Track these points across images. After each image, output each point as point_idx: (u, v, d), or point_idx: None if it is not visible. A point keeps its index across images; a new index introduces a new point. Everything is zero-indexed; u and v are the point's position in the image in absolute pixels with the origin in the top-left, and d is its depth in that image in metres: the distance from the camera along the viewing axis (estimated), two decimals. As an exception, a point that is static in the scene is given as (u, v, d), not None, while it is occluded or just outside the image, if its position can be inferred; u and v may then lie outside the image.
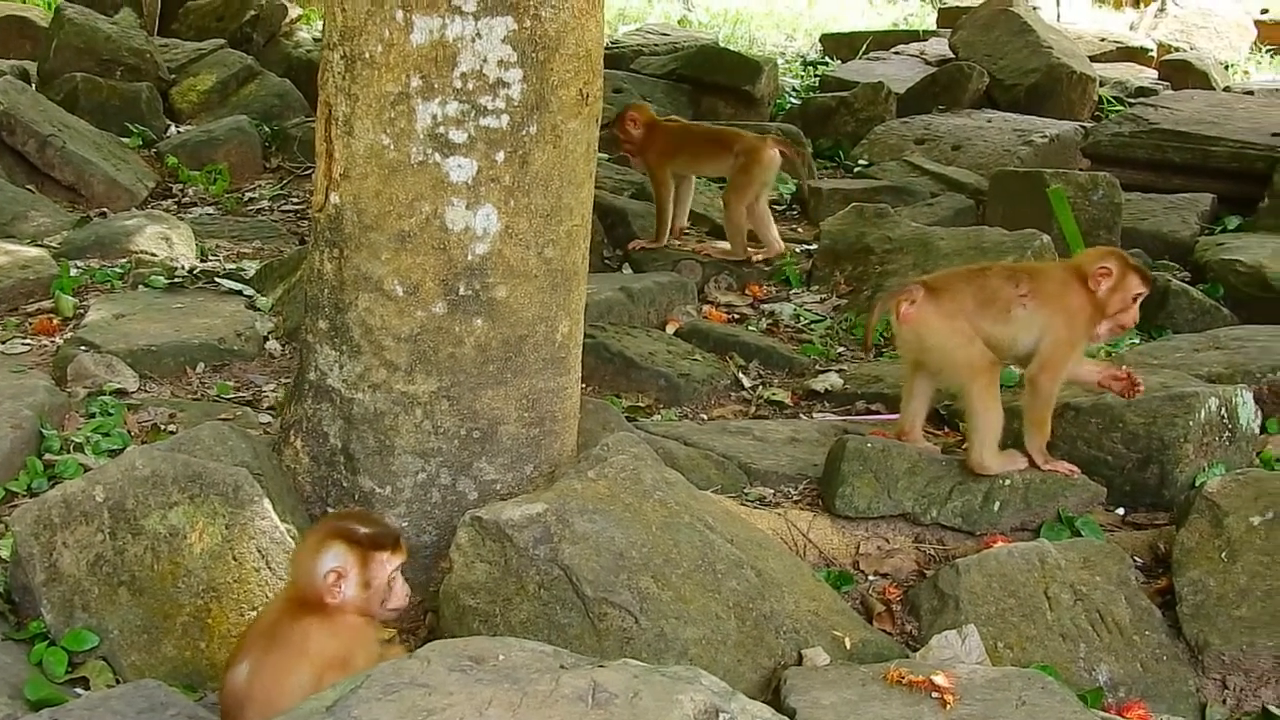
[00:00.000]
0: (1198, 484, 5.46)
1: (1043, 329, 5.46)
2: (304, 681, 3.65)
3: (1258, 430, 6.15)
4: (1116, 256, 5.60)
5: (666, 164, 8.73)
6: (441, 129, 4.56)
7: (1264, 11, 19.34)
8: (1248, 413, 6.04)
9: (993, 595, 4.83)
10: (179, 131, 10.98)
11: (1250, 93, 14.34)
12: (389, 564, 3.89)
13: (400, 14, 4.50)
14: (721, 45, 15.63)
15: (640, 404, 6.76)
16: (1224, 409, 5.93)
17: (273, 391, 6.40)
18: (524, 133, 4.62)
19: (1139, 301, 5.58)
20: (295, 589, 3.85)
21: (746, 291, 8.45)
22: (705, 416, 6.73)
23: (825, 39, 17.69)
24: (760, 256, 8.77)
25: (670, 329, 7.63)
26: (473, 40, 4.51)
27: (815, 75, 15.77)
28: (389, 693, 3.07)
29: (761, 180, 8.72)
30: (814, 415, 6.74)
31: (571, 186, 4.78)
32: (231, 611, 4.39)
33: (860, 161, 11.87)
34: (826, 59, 16.87)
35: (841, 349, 7.68)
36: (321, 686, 3.47)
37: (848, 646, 4.58)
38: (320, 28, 9.94)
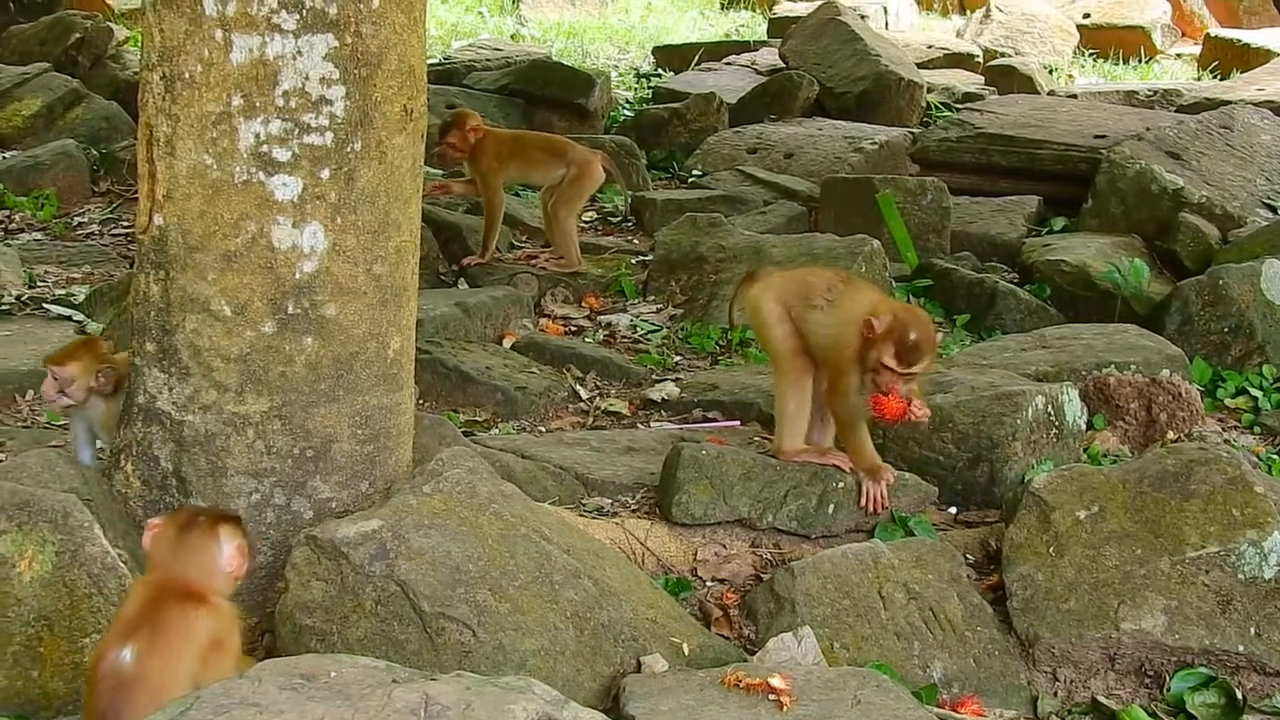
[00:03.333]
0: (1026, 481, 5.57)
1: (829, 339, 5.53)
2: (191, 666, 3.72)
3: (1084, 426, 6.30)
4: (896, 318, 5.28)
5: (500, 172, 8.70)
6: (265, 147, 4.53)
7: (1086, 16, 19.77)
8: (1074, 410, 6.19)
9: (828, 597, 4.90)
10: (4, 157, 10.74)
11: (1074, 96, 14.66)
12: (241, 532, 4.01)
13: (219, 33, 4.46)
14: (554, 59, 15.66)
15: (478, 418, 6.76)
16: (1051, 407, 6.06)
17: (105, 416, 6.30)
18: (349, 150, 4.60)
19: (890, 376, 5.27)
20: (169, 577, 3.85)
21: (583, 304, 8.48)
22: (543, 429, 6.74)
23: (658, 51, 17.79)
24: (562, 269, 8.84)
25: (507, 343, 7.64)
26: (294, 58, 4.48)
27: (648, 87, 15.84)
28: (219, 713, 3.05)
29: (590, 192, 8.78)
30: (651, 425, 6.79)
31: (399, 202, 4.77)
32: (63, 639, 4.31)
33: (694, 172, 11.96)
34: (659, 71, 16.97)
35: (678, 358, 7.74)
36: (204, 668, 3.68)
37: (686, 652, 4.62)
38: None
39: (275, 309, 4.64)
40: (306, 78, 4.51)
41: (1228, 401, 7.16)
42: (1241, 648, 4.77)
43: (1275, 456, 6.51)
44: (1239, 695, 4.70)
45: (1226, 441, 6.44)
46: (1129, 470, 5.21)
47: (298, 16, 4.47)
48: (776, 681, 4.17)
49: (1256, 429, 6.92)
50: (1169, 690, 4.76)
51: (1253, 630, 4.79)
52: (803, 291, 5.62)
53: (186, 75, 4.51)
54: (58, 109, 11.58)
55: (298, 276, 4.63)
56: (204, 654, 3.76)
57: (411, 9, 4.69)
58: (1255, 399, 7.17)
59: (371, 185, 4.67)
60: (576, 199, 8.76)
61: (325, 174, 4.59)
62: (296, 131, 4.54)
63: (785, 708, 4.13)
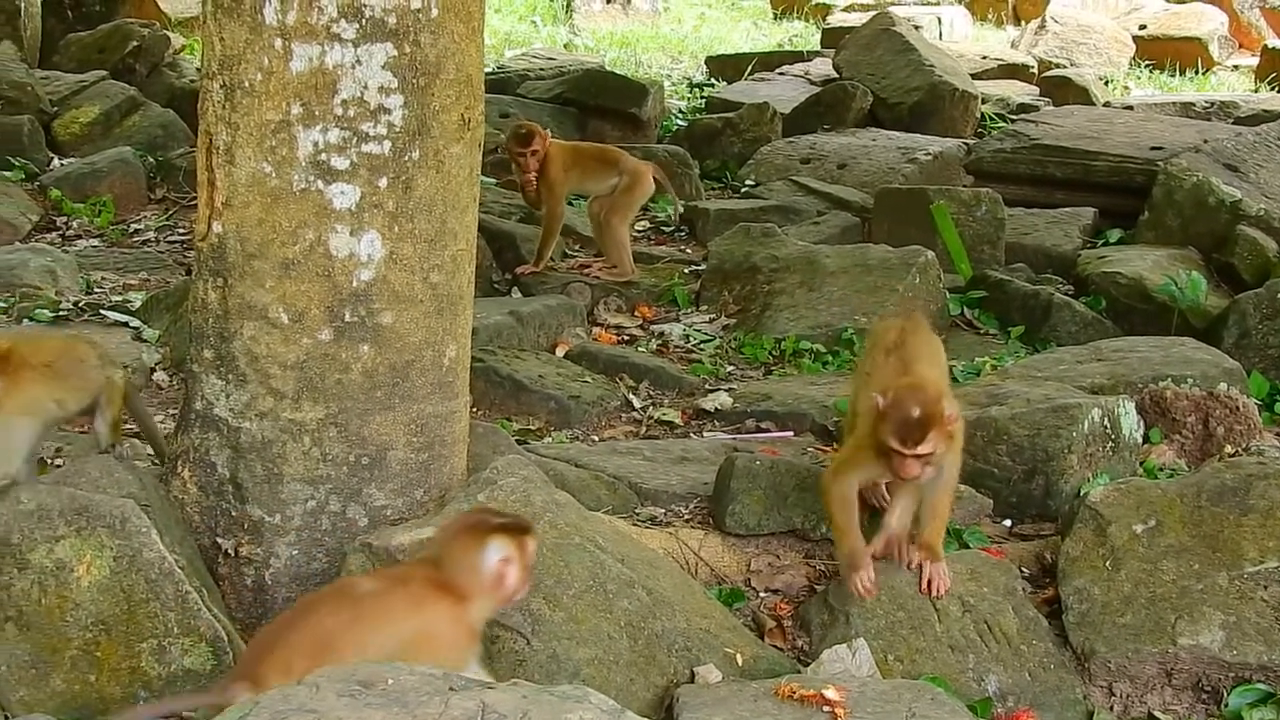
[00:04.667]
0: (1081, 494, 5.54)
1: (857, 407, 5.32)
2: (388, 646, 3.83)
3: (1140, 440, 6.26)
4: (896, 393, 4.83)
5: (565, 183, 8.74)
6: (323, 156, 4.56)
7: (1142, 27, 19.67)
8: (1130, 423, 6.15)
9: (882, 609, 4.89)
10: (62, 164, 10.84)
11: (1130, 108, 14.57)
12: (532, 549, 4.10)
13: (279, 42, 4.49)
14: (607, 69, 15.68)
15: (531, 427, 6.77)
16: (1107, 419, 6.03)
17: (161, 423, 6.33)
18: (406, 158, 4.62)
19: (898, 460, 4.81)
20: (431, 561, 4.03)
21: (636, 313, 8.49)
22: (596, 438, 6.74)
23: (711, 61, 17.79)
24: (615, 278, 8.84)
25: (560, 352, 7.64)
26: (353, 67, 4.51)
27: (701, 97, 15.84)
28: (278, 719, 3.06)
29: (641, 202, 8.80)
30: (704, 434, 6.78)
31: (455, 211, 4.79)
32: (120, 644, 4.35)
33: (747, 182, 11.94)
34: (712, 80, 16.96)
35: (731, 368, 7.74)
36: (407, 654, 3.72)
37: (740, 663, 4.62)
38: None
39: (332, 317, 4.66)
40: (365, 86, 4.53)
41: (1286, 415, 7.11)
42: (1300, 664, 4.74)
43: (1333, 471, 6.44)
44: (1297, 711, 4.67)
45: (1284, 456, 6.38)
46: (1186, 484, 5.17)
47: (357, 25, 4.50)
48: (831, 693, 4.16)
49: (1315, 443, 6.85)
50: (1226, 706, 4.73)
51: (1312, 646, 4.76)
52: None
53: (246, 84, 4.54)
54: (115, 116, 11.67)
55: (355, 284, 4.65)
56: (414, 641, 3.88)
57: (470, 18, 4.72)
58: (1313, 413, 7.10)
59: (429, 194, 4.69)
60: (629, 208, 8.79)
61: (383, 182, 4.61)
62: (355, 140, 4.56)
63: (839, 718, 4.13)
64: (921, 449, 4.71)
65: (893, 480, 4.99)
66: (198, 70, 13.31)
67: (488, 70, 14.85)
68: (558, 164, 8.66)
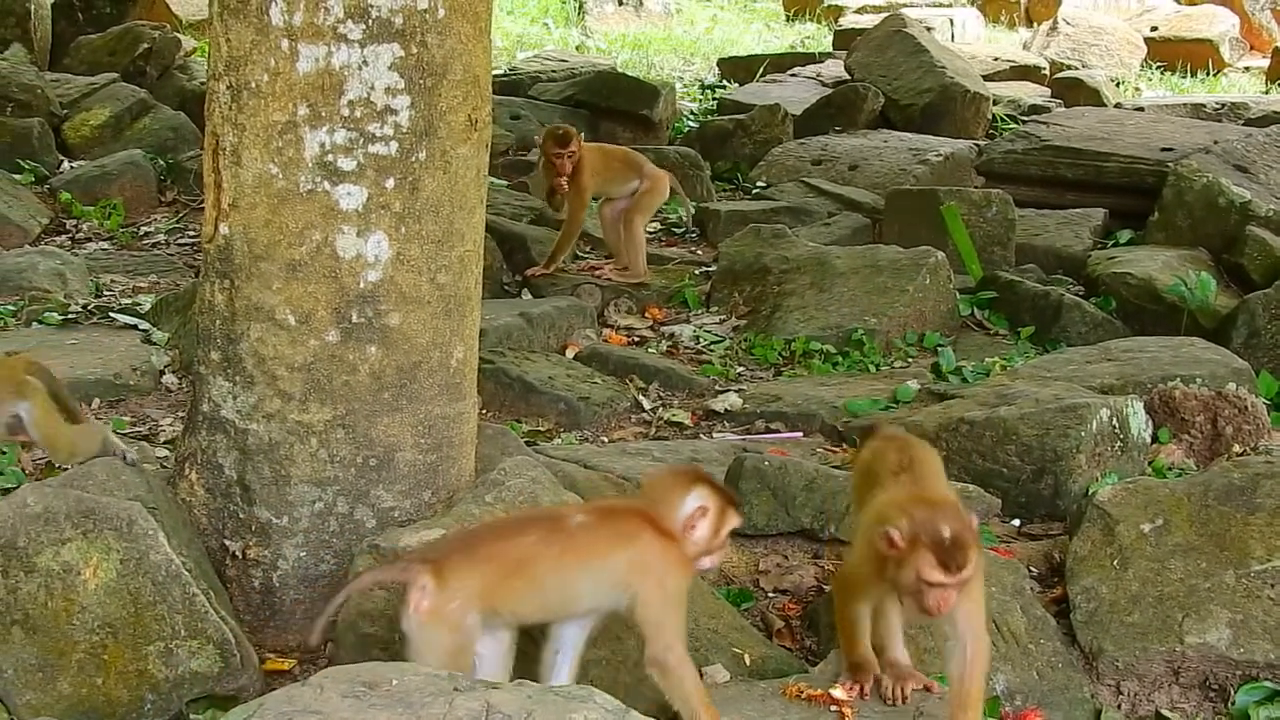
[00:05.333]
0: (1090, 493, 5.54)
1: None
2: (602, 574, 4.01)
3: (1149, 440, 6.26)
4: (917, 519, 4.01)
5: (592, 187, 8.75)
6: (330, 157, 4.56)
7: (1154, 29, 19.64)
8: (1139, 422, 6.15)
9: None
10: (72, 167, 10.86)
11: (1141, 109, 14.55)
12: (734, 521, 4.14)
13: (285, 43, 4.50)
14: (619, 71, 15.69)
15: (540, 428, 6.77)
16: (1115, 419, 6.03)
17: (170, 425, 6.36)
18: (413, 159, 4.63)
19: (941, 592, 3.98)
20: (641, 507, 4.13)
21: (646, 314, 8.49)
22: (606, 439, 6.75)
23: (722, 63, 17.79)
24: (626, 279, 8.84)
25: (570, 353, 7.65)
26: (359, 68, 4.52)
27: (713, 99, 15.85)
28: (282, 720, 3.07)
29: (658, 206, 8.84)
30: (714, 435, 6.78)
31: (463, 212, 4.79)
32: (127, 647, 4.34)
33: (758, 183, 11.94)
34: (724, 82, 16.96)
35: (741, 369, 7.73)
36: (624, 584, 3.96)
37: (748, 663, 4.62)
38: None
39: (339, 318, 4.66)
40: (372, 87, 4.54)
41: (1294, 416, 7.08)
42: (1307, 662, 4.73)
43: (1344, 472, 6.42)
44: (1305, 710, 4.66)
45: (1294, 456, 6.37)
46: (1194, 483, 5.16)
47: (363, 26, 4.50)
48: (839, 693, 4.17)
49: (1324, 444, 6.83)
50: (1234, 704, 4.72)
51: (1319, 644, 4.75)
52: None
53: (253, 85, 4.55)
54: (125, 119, 11.69)
55: (362, 285, 4.65)
56: (629, 573, 3.99)
57: (477, 19, 4.72)
58: (1323, 413, 7.08)
59: (436, 195, 4.69)
60: (648, 211, 8.85)
61: (390, 183, 4.61)
62: (361, 141, 4.57)
63: (846, 717, 4.13)
64: (967, 571, 3.95)
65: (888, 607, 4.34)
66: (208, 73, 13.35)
67: (499, 72, 14.97)
68: (588, 167, 8.68)
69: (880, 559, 4.01)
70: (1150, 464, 6.20)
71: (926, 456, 4.49)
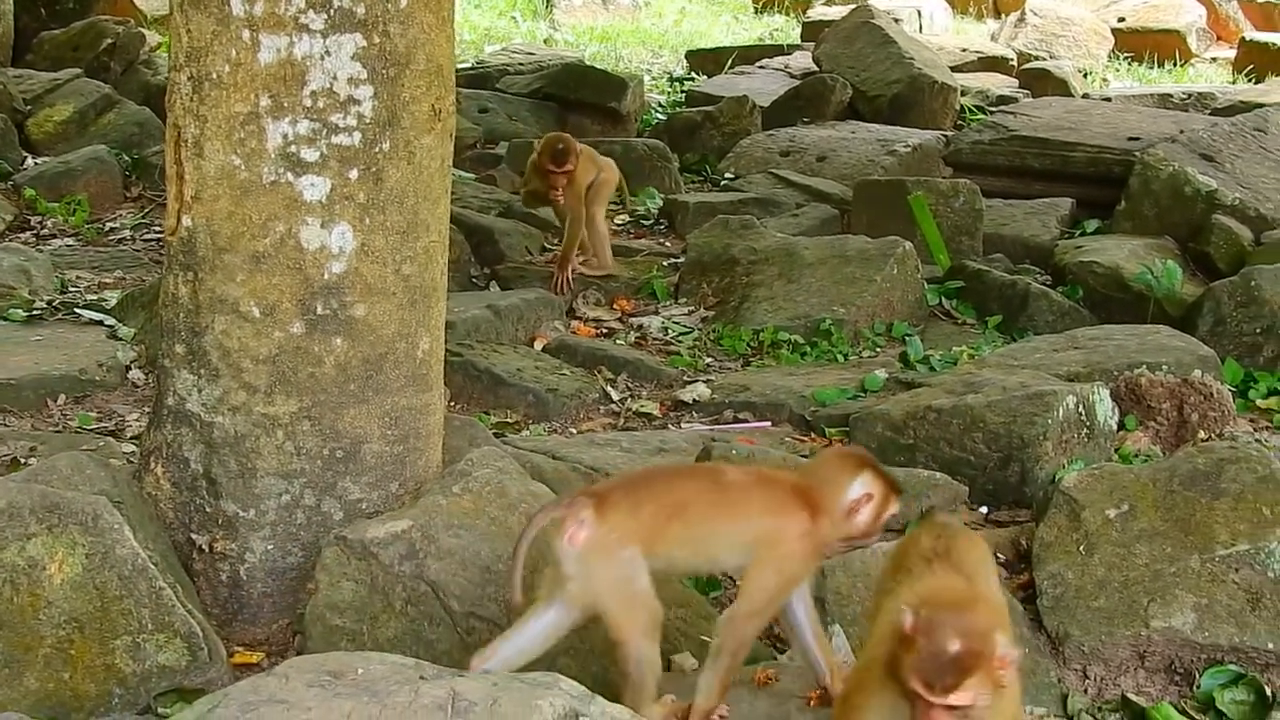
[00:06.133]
0: (1056, 480, 5.55)
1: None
2: (743, 542, 4.07)
3: (1115, 427, 6.28)
4: (927, 616, 3.46)
5: (584, 184, 8.60)
6: (293, 148, 4.55)
7: (1121, 20, 19.70)
8: (1105, 410, 6.17)
9: (858, 595, 4.88)
10: (36, 163, 10.79)
11: (1108, 99, 14.61)
12: (894, 508, 4.19)
13: (247, 33, 4.48)
14: (587, 63, 15.67)
15: (509, 420, 6.77)
16: (1082, 407, 6.05)
17: (136, 421, 6.34)
18: (377, 150, 4.61)
19: (924, 708, 3.42)
20: (798, 481, 4.16)
21: (614, 306, 8.48)
22: (574, 430, 6.75)
23: (691, 55, 17.78)
24: (594, 272, 8.79)
25: (538, 345, 7.65)
26: (321, 58, 4.50)
27: (681, 91, 15.85)
28: (247, 710, 3.06)
29: (612, 194, 8.80)
30: (682, 426, 6.79)
31: (427, 203, 4.78)
32: (94, 641, 4.32)
33: (726, 175, 11.95)
34: (692, 75, 16.95)
35: (710, 360, 7.74)
36: (749, 554, 4.04)
37: (716, 651, 4.61)
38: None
39: (304, 310, 4.65)
40: (334, 78, 4.53)
41: (1260, 402, 7.10)
42: (1271, 645, 4.74)
43: (1308, 457, 6.46)
44: (1269, 692, 4.67)
45: (1258, 442, 6.39)
46: (1159, 469, 5.18)
47: (325, 16, 4.49)
48: None
49: (1288, 429, 6.88)
50: (1199, 688, 4.73)
51: (1283, 628, 4.77)
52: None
53: (214, 75, 4.53)
54: (90, 115, 11.62)
55: (326, 277, 4.64)
56: (761, 540, 4.05)
57: (440, 8, 4.71)
58: (1287, 399, 7.13)
59: (400, 185, 4.68)
60: (606, 201, 8.83)
61: (353, 174, 4.60)
62: (324, 132, 4.55)
63: (814, 704, 4.14)
64: (955, 698, 3.37)
65: None
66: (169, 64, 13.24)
67: (467, 65, 14.94)
68: (580, 169, 8.54)
69: (894, 658, 3.47)
70: (1117, 451, 6.23)
71: (971, 547, 3.90)
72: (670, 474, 4.39)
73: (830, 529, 4.10)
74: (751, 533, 4.07)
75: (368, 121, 4.59)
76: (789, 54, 16.75)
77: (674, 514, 4.05)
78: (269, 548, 4.76)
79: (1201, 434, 6.31)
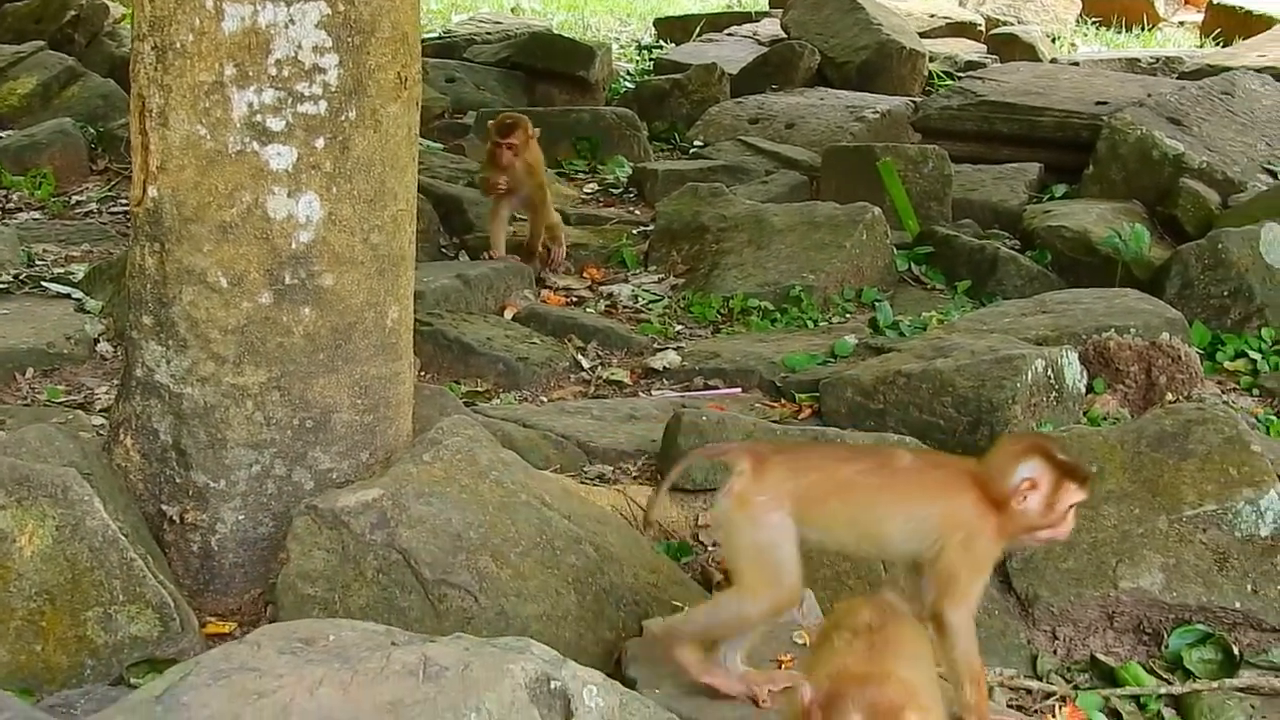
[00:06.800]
0: (1026, 442, 5.57)
1: None
2: (918, 527, 3.97)
3: (1084, 390, 6.31)
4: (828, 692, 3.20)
5: (541, 165, 8.38)
6: (259, 117, 4.53)
7: (1089, -16, 19.71)
8: (1073, 373, 6.20)
9: (829, 559, 4.90)
10: (1, 136, 10.73)
11: (1076, 64, 14.61)
12: (1075, 496, 4.00)
13: (210, 2, 4.44)
14: (554, 32, 15.63)
15: (479, 389, 6.77)
16: (1050, 370, 6.07)
17: (105, 394, 6.32)
18: (343, 118, 4.60)
19: None
20: (972, 467, 4.06)
21: (584, 274, 8.48)
22: (545, 399, 6.75)
23: (659, 23, 17.76)
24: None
25: (508, 314, 7.64)
26: (286, 26, 4.47)
27: (649, 59, 15.83)
28: (219, 678, 3.07)
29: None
30: (653, 393, 6.80)
31: (394, 171, 4.77)
32: (65, 613, 4.32)
33: (695, 143, 11.95)
34: (660, 42, 16.94)
35: (680, 327, 7.75)
36: (925, 541, 3.94)
37: (688, 616, 4.63)
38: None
39: (272, 280, 4.63)
40: (299, 46, 4.50)
41: (1227, 364, 7.15)
42: (1238, 604, 4.78)
43: (1274, 418, 6.51)
44: (1236, 651, 4.72)
45: (1225, 403, 6.44)
46: (1127, 431, 5.20)
47: (289, -16, 4.47)
48: None
49: (1255, 391, 6.91)
50: (1167, 647, 4.78)
51: (1249, 587, 4.81)
52: None
53: (178, 45, 4.50)
54: (54, 87, 11.54)
55: (294, 246, 4.63)
56: (939, 525, 3.95)
57: (404, -25, 4.69)
58: (1254, 362, 7.15)
59: (367, 154, 4.67)
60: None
61: (320, 143, 4.58)
62: (290, 100, 4.53)
63: (785, 668, 4.16)
64: None
65: None
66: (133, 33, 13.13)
67: (434, 35, 14.91)
68: (535, 149, 8.31)
69: None
70: (1085, 414, 6.25)
71: (909, 632, 3.58)
72: (842, 450, 4.28)
73: (1006, 517, 3.98)
74: (929, 518, 3.97)
75: (333, 90, 4.57)
76: (757, 21, 16.75)
77: (838, 490, 3.98)
78: (240, 518, 4.75)
79: (1169, 396, 6.34)
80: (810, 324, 7.67)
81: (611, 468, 5.74)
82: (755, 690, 4.06)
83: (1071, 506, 4.01)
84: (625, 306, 8.03)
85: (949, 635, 3.94)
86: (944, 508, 3.97)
